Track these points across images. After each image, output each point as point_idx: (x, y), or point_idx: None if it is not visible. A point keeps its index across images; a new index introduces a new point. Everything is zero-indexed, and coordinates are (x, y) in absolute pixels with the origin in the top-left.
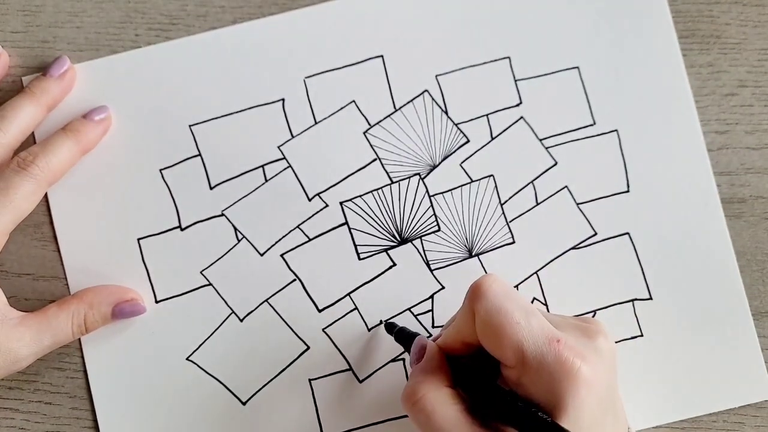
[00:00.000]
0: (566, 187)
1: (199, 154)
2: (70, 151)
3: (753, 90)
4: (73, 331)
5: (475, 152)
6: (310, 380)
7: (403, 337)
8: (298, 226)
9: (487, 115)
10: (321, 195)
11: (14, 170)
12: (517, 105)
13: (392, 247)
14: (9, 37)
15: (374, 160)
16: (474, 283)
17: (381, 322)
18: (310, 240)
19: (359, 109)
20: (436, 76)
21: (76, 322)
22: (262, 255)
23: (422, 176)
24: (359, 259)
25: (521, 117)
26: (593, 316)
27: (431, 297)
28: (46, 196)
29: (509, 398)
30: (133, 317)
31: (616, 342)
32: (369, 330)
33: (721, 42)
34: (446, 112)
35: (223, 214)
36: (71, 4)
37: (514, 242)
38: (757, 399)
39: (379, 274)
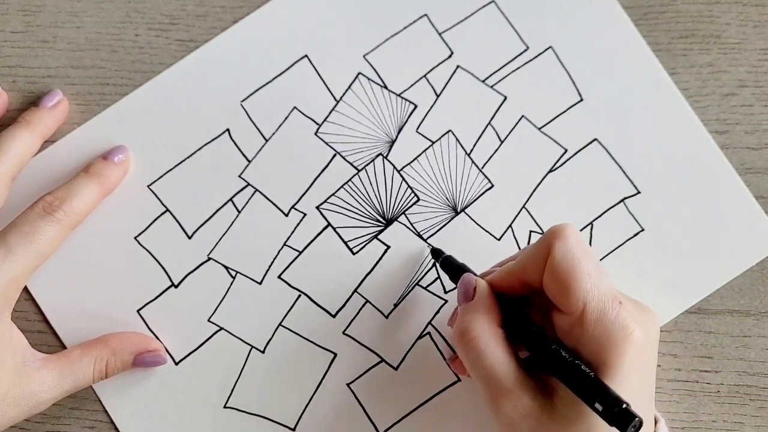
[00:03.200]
0: (523, 116)
1: (167, 210)
2: (94, 194)
3: (753, 90)
4: (94, 376)
5: (427, 114)
6: (348, 385)
7: (449, 267)
8: (285, 244)
9: (424, 75)
10: (296, 207)
11: (39, 214)
12: (450, 56)
13: (380, 232)
14: (9, 37)
15: (334, 155)
16: (555, 226)
17: (429, 246)
18: (300, 253)
19: (303, 113)
20: (364, 56)
21: (98, 367)
22: (260, 283)
23: (384, 155)
24: (353, 254)
25: (457, 66)
26: (591, 229)
27: (434, 265)
28: (29, 293)
29: (554, 347)
30: (154, 367)
31: (621, 244)
32: (387, 317)
33: (721, 42)
34: (386, 87)
35: (210, 258)
36: (71, 4)
37: (492, 186)
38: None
39: (378, 261)
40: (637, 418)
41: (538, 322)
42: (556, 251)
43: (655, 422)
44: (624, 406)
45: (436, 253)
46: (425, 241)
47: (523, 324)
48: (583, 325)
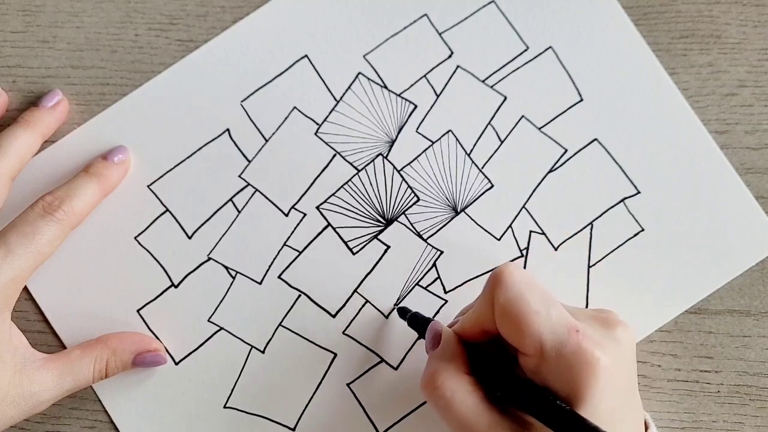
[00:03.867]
0: (523, 116)
1: (167, 210)
2: (94, 194)
3: (753, 90)
4: (93, 376)
5: (427, 114)
6: (348, 385)
7: (416, 322)
8: (285, 244)
9: (424, 75)
10: (296, 207)
11: (39, 214)
12: (450, 56)
13: (380, 232)
14: (9, 37)
15: (334, 156)
16: (494, 271)
17: (395, 306)
18: (300, 253)
19: (303, 113)
20: (364, 56)
21: (98, 367)
22: (260, 283)
23: (384, 155)
24: (353, 254)
25: (457, 66)
26: (591, 229)
27: (434, 265)
28: (29, 293)
29: (526, 386)
30: (154, 367)
31: (621, 244)
32: (386, 317)
33: (721, 42)
34: (386, 87)
35: (210, 258)
36: (71, 4)
37: (492, 186)
38: (765, 254)
39: (378, 261)
40: None
41: (514, 362)
42: (499, 299)
43: (646, 428)
44: None
45: (403, 311)
46: (425, 240)
47: (492, 368)
48: (546, 363)
